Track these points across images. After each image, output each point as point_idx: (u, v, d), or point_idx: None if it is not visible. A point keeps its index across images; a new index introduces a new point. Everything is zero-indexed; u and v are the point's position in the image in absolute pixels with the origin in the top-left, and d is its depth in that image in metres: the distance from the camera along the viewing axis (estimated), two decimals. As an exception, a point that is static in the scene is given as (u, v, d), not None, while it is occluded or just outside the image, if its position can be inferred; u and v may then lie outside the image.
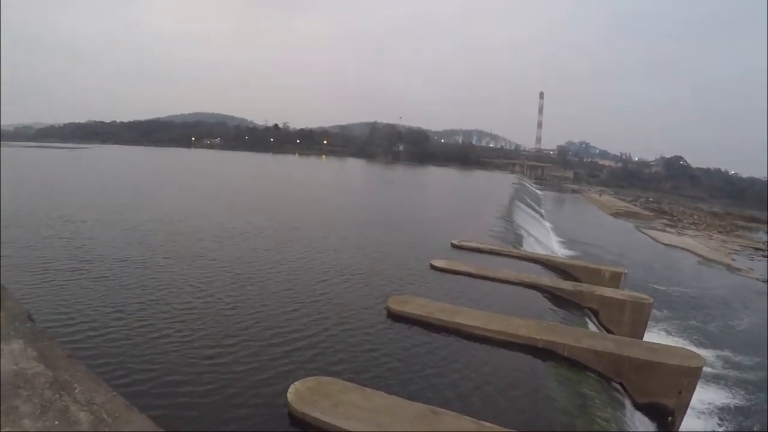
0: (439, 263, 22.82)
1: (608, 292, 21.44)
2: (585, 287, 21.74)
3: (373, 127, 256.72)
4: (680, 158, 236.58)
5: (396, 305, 16.02)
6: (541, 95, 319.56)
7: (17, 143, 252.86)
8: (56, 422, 4.58)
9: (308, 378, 10.50)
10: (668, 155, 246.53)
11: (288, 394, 9.70)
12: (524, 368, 13.09)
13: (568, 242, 52.21)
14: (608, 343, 14.49)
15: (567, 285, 21.78)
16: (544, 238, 47.08)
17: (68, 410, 4.79)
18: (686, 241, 68.01)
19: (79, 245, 22.34)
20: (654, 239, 66.97)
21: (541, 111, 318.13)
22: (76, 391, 5.18)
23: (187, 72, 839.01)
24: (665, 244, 63.53)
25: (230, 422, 9.24)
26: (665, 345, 15.98)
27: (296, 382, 10.20)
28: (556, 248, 45.13)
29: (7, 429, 4.29)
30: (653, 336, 23.67)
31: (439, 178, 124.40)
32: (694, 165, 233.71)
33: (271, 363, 11.70)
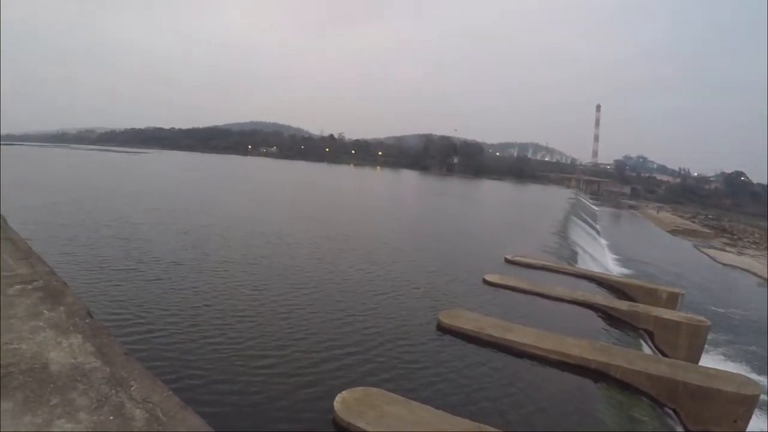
0: (491, 278, 22.51)
1: (664, 313, 20.71)
2: (640, 307, 21.07)
3: (428, 139, 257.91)
4: (741, 174, 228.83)
5: (447, 319, 15.86)
6: (598, 108, 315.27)
7: (81, 146, 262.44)
8: (111, 417, 4.65)
9: (356, 388, 10.51)
10: (729, 171, 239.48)
11: (335, 404, 9.71)
12: (575, 389, 12.76)
13: (623, 260, 50.96)
14: (662, 367, 13.96)
15: (622, 305, 21.19)
16: (600, 256, 46.09)
17: (123, 406, 4.86)
18: (747, 261, 65.43)
19: (136, 246, 23.01)
20: (713, 258, 64.65)
21: (597, 124, 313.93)
22: (133, 388, 5.26)
23: (244, 81, 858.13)
24: (724, 264, 61.19)
25: (275, 427, 9.33)
26: (722, 370, 15.35)
27: (344, 392, 10.21)
28: (611, 266, 44.15)
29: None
30: (710, 360, 22.70)
31: (493, 191, 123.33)
32: (755, 181, 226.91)
33: (320, 371, 11.73)
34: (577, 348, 14.32)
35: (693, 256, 66.40)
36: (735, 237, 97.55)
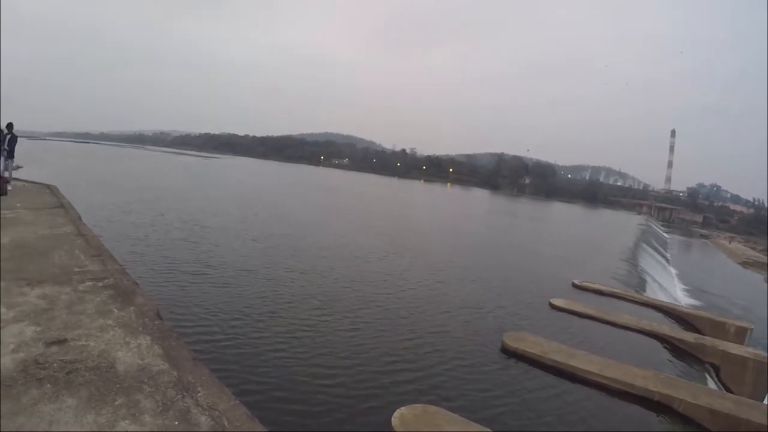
0: (558, 302, 22.39)
1: (731, 347, 20.10)
2: (707, 340, 20.52)
3: (500, 158, 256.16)
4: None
5: (511, 342, 15.80)
6: (673, 133, 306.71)
7: (156, 148, 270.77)
8: (176, 422, 4.61)
9: (415, 405, 10.63)
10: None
11: (393, 419, 9.86)
12: (635, 420, 12.62)
13: (692, 290, 49.34)
14: (726, 403, 13.62)
15: (688, 336, 20.67)
16: (668, 285, 44.84)
17: (189, 412, 4.81)
18: (821, 298, 62.91)
19: (205, 250, 23.54)
20: (785, 293, 62.46)
21: (672, 150, 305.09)
22: (199, 394, 5.20)
23: (321, 93, 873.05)
24: (796, 300, 59.10)
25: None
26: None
27: (402, 408, 10.34)
28: (679, 296, 42.92)
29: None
30: (777, 399, 22.16)
31: (564, 214, 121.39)
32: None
33: (381, 386, 11.94)
34: (641, 378, 14.14)
35: (763, 290, 63.76)
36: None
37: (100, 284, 8.10)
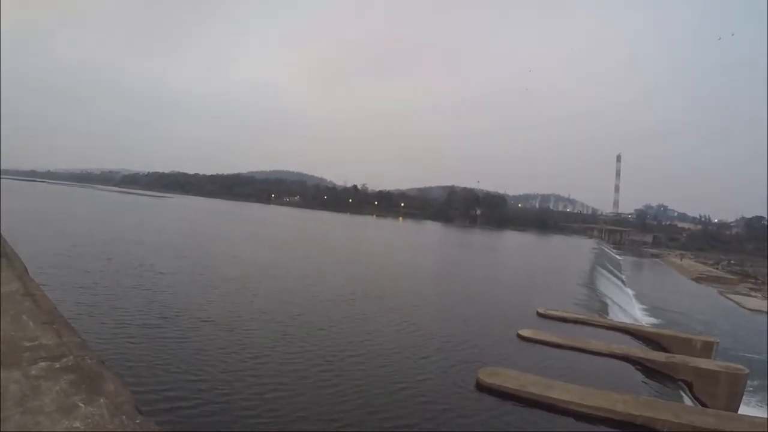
0: (526, 333, 22.24)
1: (702, 363, 20.35)
2: (678, 358, 20.69)
3: (451, 191, 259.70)
4: (762, 218, 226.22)
5: (486, 377, 15.44)
6: (618, 158, 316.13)
7: (105, 187, 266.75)
8: None
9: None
10: (750, 215, 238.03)
11: None
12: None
13: (651, 309, 50.21)
14: (708, 419, 13.67)
15: (659, 356, 20.83)
16: (628, 306, 45.51)
17: None
18: (773, 306, 64.56)
19: (160, 299, 22.13)
20: (739, 304, 63.55)
21: (618, 174, 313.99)
22: None
23: (269, 130, 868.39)
24: (751, 309, 60.37)
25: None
26: (765, 419, 15.15)
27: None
28: (639, 316, 43.50)
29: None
30: (750, 409, 22.29)
31: (517, 243, 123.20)
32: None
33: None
34: (621, 403, 14.01)
35: (719, 303, 65.43)
36: (759, 282, 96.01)
37: (58, 365, 5.82)
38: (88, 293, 21.62)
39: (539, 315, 27.29)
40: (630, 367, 19.51)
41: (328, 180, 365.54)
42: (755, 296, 73.18)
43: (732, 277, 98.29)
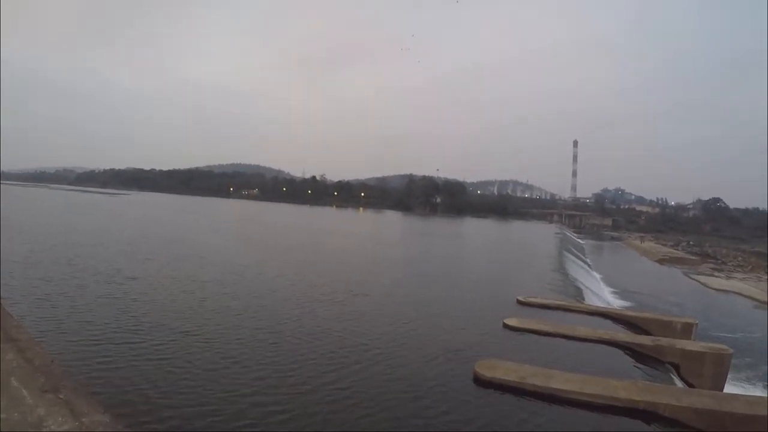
0: (511, 322, 22.23)
1: (688, 345, 20.82)
2: (664, 341, 21.09)
3: (411, 179, 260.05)
4: (717, 200, 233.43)
5: (484, 371, 15.15)
6: (575, 143, 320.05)
7: (59, 186, 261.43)
8: None
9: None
10: (705, 197, 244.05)
11: None
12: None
13: (621, 292, 50.98)
14: (706, 400, 14.00)
15: (646, 340, 21.21)
16: (597, 290, 46.17)
17: None
18: (737, 284, 66.01)
19: (130, 308, 20.37)
20: (704, 285, 65.25)
21: (575, 159, 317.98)
22: None
23: (226, 124, 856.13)
24: (717, 289, 61.93)
25: None
26: (759, 396, 15.60)
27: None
28: (610, 300, 44.23)
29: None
30: (734, 387, 22.87)
31: (480, 229, 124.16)
32: (732, 206, 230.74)
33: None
34: (622, 390, 14.13)
35: (685, 284, 66.99)
36: (720, 262, 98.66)
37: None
38: (51, 306, 19.90)
39: (519, 303, 27.36)
40: (619, 352, 19.71)
41: (286, 172, 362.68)
42: (719, 276, 75.12)
43: (694, 258, 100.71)
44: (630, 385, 14.66)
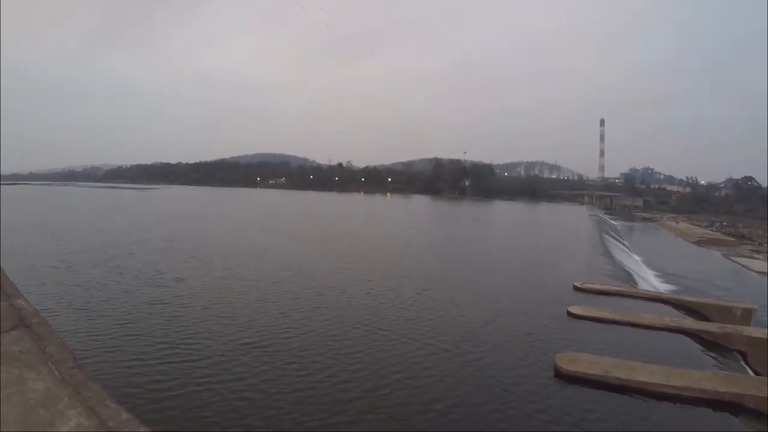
0: (576, 310, 22.35)
1: (755, 332, 20.82)
2: (731, 328, 21.08)
3: (438, 163, 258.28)
4: (750, 178, 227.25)
5: (566, 364, 15.11)
6: (602, 122, 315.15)
7: (88, 183, 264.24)
8: None
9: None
10: (737, 176, 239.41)
11: None
12: (721, 427, 12.76)
13: (664, 276, 50.22)
14: (790, 391, 13.94)
15: (713, 327, 21.23)
16: (642, 273, 45.84)
17: None
18: (780, 268, 65.06)
19: (175, 316, 19.26)
20: (747, 267, 63.95)
21: (602, 139, 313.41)
22: None
23: (250, 115, 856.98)
24: (759, 272, 60.90)
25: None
26: None
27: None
28: (655, 283, 43.92)
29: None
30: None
31: (512, 212, 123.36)
32: (765, 185, 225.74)
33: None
34: (706, 381, 14.19)
35: (727, 267, 65.68)
36: (756, 243, 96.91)
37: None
38: (87, 314, 18.97)
39: (576, 289, 27.49)
40: (687, 340, 19.79)
41: (312, 160, 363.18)
42: (758, 258, 73.72)
43: (731, 239, 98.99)
44: (712, 376, 14.74)
